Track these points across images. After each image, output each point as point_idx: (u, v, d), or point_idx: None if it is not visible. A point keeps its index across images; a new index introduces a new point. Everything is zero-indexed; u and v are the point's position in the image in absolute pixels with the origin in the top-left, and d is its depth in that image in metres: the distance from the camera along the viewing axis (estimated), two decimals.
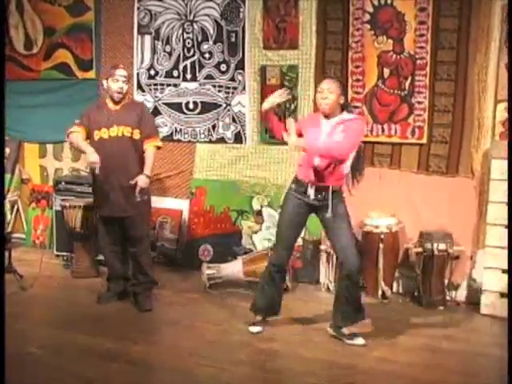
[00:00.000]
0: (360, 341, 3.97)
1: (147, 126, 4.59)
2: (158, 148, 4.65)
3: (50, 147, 6.49)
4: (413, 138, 4.93)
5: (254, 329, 4.19)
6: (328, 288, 5.04)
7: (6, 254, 4.99)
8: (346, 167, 3.88)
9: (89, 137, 4.55)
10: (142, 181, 4.46)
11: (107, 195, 4.52)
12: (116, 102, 4.54)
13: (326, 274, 5.10)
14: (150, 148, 4.55)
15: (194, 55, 5.69)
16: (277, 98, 3.97)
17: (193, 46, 5.68)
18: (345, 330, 4.03)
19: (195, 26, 5.66)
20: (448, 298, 4.77)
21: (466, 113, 4.75)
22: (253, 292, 4.90)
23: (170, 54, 5.78)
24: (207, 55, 5.65)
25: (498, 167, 4.54)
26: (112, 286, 4.80)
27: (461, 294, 4.83)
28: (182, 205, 5.84)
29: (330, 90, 3.83)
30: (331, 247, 4.10)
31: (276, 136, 4.09)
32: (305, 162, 3.89)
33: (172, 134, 5.84)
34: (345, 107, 3.91)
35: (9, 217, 6.40)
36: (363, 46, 5.01)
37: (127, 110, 4.55)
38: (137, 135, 4.52)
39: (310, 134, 3.86)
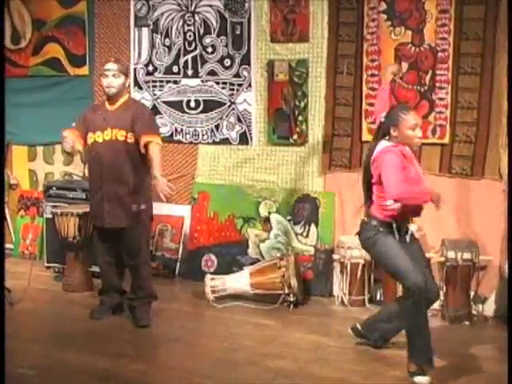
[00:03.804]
0: (425, 380, 3.68)
1: (142, 122, 4.46)
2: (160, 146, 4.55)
3: (39, 150, 6.51)
4: (434, 137, 4.91)
5: (424, 379, 3.68)
6: (342, 301, 5.02)
7: None
8: None
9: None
10: (159, 185, 4.29)
11: (101, 204, 4.50)
12: (112, 102, 4.52)
13: (340, 286, 5.08)
14: (153, 145, 4.40)
15: (195, 49, 5.70)
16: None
17: (194, 39, 5.69)
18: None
19: (197, 18, 5.66)
20: (474, 312, 4.73)
21: (492, 109, 4.72)
22: (259, 305, 4.91)
23: (169, 48, 5.78)
24: (210, 49, 5.65)
25: None
26: (106, 299, 4.78)
27: (489, 308, 4.79)
28: (183, 211, 5.83)
29: (420, 125, 3.76)
30: None
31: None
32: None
33: (172, 134, 5.84)
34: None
35: None
36: (379, 38, 5.00)
37: (123, 110, 4.51)
38: (131, 138, 4.46)
39: (411, 173, 3.72)
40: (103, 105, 4.62)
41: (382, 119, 3.80)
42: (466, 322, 4.64)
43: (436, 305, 4.79)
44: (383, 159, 3.64)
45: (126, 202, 4.48)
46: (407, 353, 3.73)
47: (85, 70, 6.16)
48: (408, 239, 3.80)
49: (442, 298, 4.72)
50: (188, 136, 5.81)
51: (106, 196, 4.49)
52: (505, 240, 4.48)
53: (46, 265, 5.87)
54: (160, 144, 4.52)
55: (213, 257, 5.64)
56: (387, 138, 3.74)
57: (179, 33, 5.73)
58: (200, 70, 5.70)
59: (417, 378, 3.67)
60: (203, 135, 5.75)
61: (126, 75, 4.59)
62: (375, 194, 3.78)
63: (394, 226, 3.72)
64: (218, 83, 5.65)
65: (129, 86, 4.77)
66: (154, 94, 5.85)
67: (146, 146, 4.42)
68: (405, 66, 4.94)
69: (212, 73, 5.65)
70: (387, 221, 3.73)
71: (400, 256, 3.69)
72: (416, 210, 3.78)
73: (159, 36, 5.80)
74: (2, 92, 4.88)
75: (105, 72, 4.48)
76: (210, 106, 5.70)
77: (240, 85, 5.57)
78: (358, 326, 4.19)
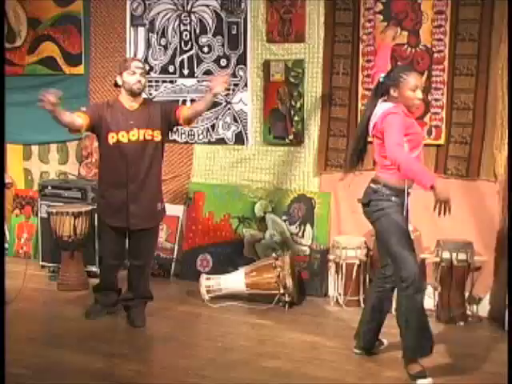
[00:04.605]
0: (429, 381, 3.68)
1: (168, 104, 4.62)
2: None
3: (35, 149, 6.51)
4: (429, 138, 4.91)
5: (426, 381, 3.66)
6: (337, 301, 5.03)
7: None
8: None
9: (88, 129, 4.46)
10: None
11: (125, 205, 4.42)
12: (134, 101, 4.44)
13: (335, 287, 5.09)
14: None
15: (191, 49, 5.70)
16: None
17: (190, 38, 5.69)
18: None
19: (193, 18, 5.66)
20: (469, 312, 4.74)
21: (488, 110, 4.73)
22: (255, 305, 4.92)
23: (165, 47, 5.78)
24: (206, 49, 5.65)
25: None
26: (101, 298, 4.76)
27: (483, 309, 4.80)
28: (178, 211, 5.83)
29: (421, 87, 3.73)
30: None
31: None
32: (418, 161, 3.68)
33: (168, 134, 5.82)
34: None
35: None
36: (375, 39, 5.01)
37: (146, 110, 4.45)
38: (158, 137, 4.45)
39: (418, 130, 3.73)
40: (119, 103, 4.47)
41: (381, 79, 3.77)
42: (461, 323, 4.65)
43: (431, 305, 4.84)
44: (386, 120, 3.59)
45: (152, 202, 4.48)
46: (404, 351, 3.71)
47: (80, 69, 6.15)
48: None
49: (436, 298, 4.75)
50: (184, 136, 5.81)
51: (131, 197, 4.41)
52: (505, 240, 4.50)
53: (41, 264, 5.86)
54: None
55: (208, 257, 5.64)
56: (385, 98, 3.72)
57: (175, 32, 5.73)
58: (196, 70, 5.70)
59: (420, 381, 3.65)
60: (199, 135, 5.76)
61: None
62: (381, 156, 3.70)
63: (407, 190, 3.65)
64: None
65: None
66: (150, 94, 5.85)
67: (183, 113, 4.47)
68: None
69: (208, 72, 5.65)
70: (398, 187, 3.66)
71: (406, 240, 3.66)
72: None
73: (155, 35, 5.80)
74: (2, 92, 4.87)
75: (132, 69, 4.39)
76: None
77: (236, 85, 5.57)
78: (362, 344, 4.07)
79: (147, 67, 5.80)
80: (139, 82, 4.41)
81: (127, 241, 4.61)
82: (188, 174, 5.83)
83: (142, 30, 5.84)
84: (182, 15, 5.68)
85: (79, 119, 4.38)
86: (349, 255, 4.96)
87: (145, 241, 4.55)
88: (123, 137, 4.39)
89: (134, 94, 4.43)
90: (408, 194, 3.73)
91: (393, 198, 3.69)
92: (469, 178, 4.84)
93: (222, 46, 5.58)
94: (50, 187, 5.83)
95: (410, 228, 3.92)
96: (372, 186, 3.77)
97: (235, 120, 5.61)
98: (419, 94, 3.70)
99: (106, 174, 4.52)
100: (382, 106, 3.71)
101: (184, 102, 5.75)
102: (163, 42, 5.78)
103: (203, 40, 5.64)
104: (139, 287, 4.63)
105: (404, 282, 3.62)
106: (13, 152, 6.56)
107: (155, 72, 5.83)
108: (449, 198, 3.35)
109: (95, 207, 5.39)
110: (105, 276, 4.77)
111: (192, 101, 5.71)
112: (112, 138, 4.40)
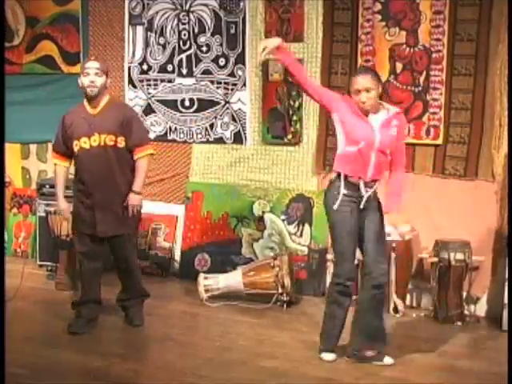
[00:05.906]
0: (388, 360, 3.90)
1: (135, 131, 4.36)
2: (152, 155, 4.50)
3: (33, 148, 6.51)
4: (428, 138, 4.93)
5: (329, 356, 3.95)
6: None
7: None
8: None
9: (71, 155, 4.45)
10: (132, 200, 4.35)
11: (91, 212, 4.34)
12: (94, 105, 4.31)
13: None
14: (142, 159, 4.38)
15: (190, 48, 5.70)
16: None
17: (189, 38, 5.69)
18: (368, 353, 3.92)
19: (191, 17, 5.66)
20: (466, 312, 4.75)
21: (485, 110, 4.74)
22: (253, 305, 4.92)
23: (164, 46, 5.78)
24: (204, 48, 5.65)
25: None
26: (84, 311, 4.48)
27: (481, 309, 4.82)
28: (176, 210, 5.83)
29: (368, 89, 3.71)
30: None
31: None
32: (358, 159, 3.77)
33: (166, 133, 5.84)
34: None
35: None
36: (374, 39, 5.02)
37: (108, 113, 4.31)
38: (121, 143, 4.32)
39: (359, 128, 3.74)
40: (82, 108, 4.36)
41: None
42: (459, 323, 4.65)
43: (429, 305, 4.85)
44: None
45: (118, 208, 4.37)
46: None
47: (78, 68, 6.10)
48: (363, 206, 3.80)
49: (434, 298, 4.75)
50: (182, 135, 5.81)
51: (97, 204, 4.33)
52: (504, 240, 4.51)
53: (39, 263, 5.86)
54: (152, 153, 4.49)
55: (206, 256, 5.64)
56: None
57: (174, 31, 5.73)
58: (194, 69, 5.70)
59: (324, 355, 3.93)
60: (197, 134, 5.75)
61: (107, 74, 4.37)
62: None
63: (342, 181, 3.75)
64: (212, 82, 5.65)
65: (114, 85, 4.75)
66: (149, 93, 5.85)
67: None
68: (399, 66, 4.96)
69: (206, 72, 5.66)
70: (347, 181, 3.75)
71: (342, 242, 3.81)
72: (363, 168, 3.77)
73: (154, 34, 5.79)
74: (2, 91, 4.86)
75: (86, 70, 4.25)
76: (204, 105, 5.70)
77: (234, 84, 5.57)
78: (355, 352, 4.02)
79: (145, 66, 5.83)
80: (92, 82, 4.25)
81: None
82: (186, 173, 5.83)
83: (140, 29, 5.84)
84: (181, 14, 5.68)
85: (61, 170, 4.51)
86: None
87: (120, 246, 4.45)
88: (85, 143, 4.30)
89: (91, 97, 4.29)
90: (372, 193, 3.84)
91: (344, 190, 3.77)
92: (467, 177, 4.85)
93: (221, 45, 5.57)
94: (48, 186, 5.81)
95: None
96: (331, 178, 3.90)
97: (234, 119, 5.61)
98: (362, 97, 3.72)
99: (76, 182, 4.45)
100: None
101: (182, 100, 5.75)
102: (162, 41, 5.78)
103: (202, 39, 5.64)
104: (132, 287, 4.59)
105: (335, 277, 3.89)
106: (11, 151, 6.56)
107: (154, 71, 5.83)
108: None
109: None
110: (86, 285, 4.52)
111: (190, 100, 5.72)
112: (76, 146, 4.32)
